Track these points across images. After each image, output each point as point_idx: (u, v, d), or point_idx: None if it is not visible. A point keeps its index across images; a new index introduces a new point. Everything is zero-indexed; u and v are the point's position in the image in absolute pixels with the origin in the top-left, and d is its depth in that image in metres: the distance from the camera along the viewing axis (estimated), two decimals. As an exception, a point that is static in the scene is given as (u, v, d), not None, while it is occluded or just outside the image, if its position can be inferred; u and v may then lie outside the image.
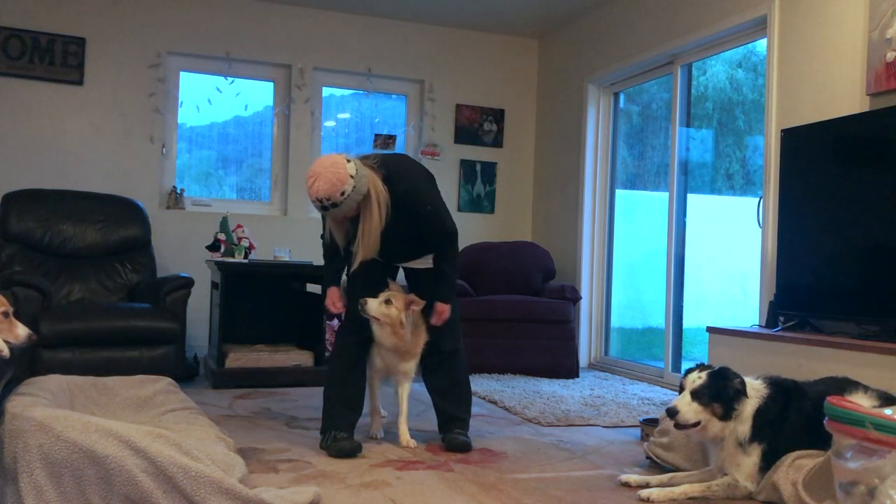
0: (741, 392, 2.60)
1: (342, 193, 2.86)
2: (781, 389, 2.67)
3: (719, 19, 4.74)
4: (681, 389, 2.69)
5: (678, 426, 2.64)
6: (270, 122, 6.21)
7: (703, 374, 2.64)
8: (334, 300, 3.28)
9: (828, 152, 3.74)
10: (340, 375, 3.25)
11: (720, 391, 2.60)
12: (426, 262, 3.30)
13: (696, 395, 2.61)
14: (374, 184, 2.97)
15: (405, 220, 3.09)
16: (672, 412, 2.61)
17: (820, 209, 3.71)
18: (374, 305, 3.14)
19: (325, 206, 2.90)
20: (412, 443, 3.28)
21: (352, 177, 2.88)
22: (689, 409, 2.60)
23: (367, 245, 3.01)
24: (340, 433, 3.11)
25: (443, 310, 3.23)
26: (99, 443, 2.15)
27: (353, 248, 3.10)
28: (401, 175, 3.09)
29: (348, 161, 2.91)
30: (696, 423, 2.60)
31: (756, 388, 2.66)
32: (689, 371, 2.71)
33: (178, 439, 2.26)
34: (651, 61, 5.46)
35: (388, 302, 3.15)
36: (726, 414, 2.59)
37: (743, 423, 2.60)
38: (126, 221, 5.16)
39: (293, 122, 6.12)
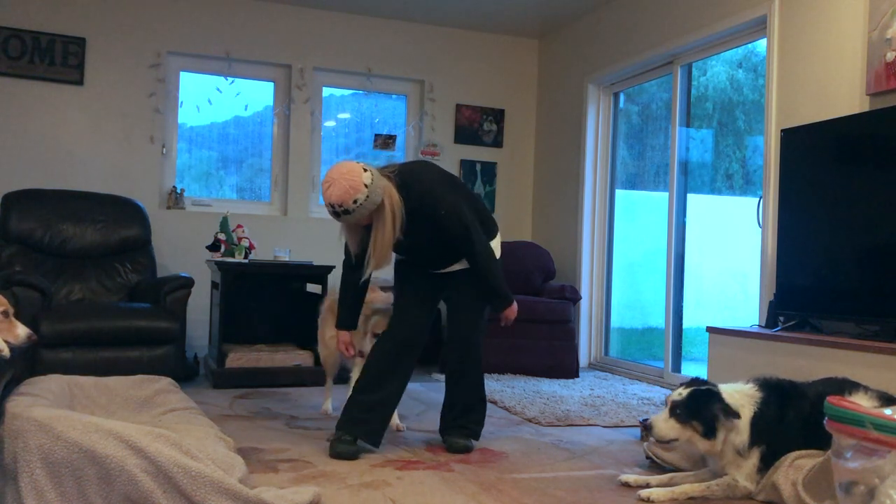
0: (723, 415, 2.57)
1: (354, 202, 2.85)
2: (775, 391, 2.67)
3: (719, 19, 4.74)
4: (666, 405, 2.69)
5: (659, 441, 2.67)
6: (270, 122, 6.21)
7: (685, 392, 2.64)
8: (346, 345, 3.30)
9: (828, 152, 3.74)
10: (367, 379, 3.20)
11: (700, 410, 2.58)
12: (464, 264, 3.24)
13: (675, 412, 2.61)
14: (390, 194, 2.95)
15: (426, 226, 3.06)
16: (647, 426, 2.63)
17: (820, 209, 3.71)
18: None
19: (337, 212, 2.90)
20: (402, 426, 3.49)
21: (366, 186, 2.86)
22: (665, 425, 2.61)
23: (378, 255, 2.99)
24: (346, 436, 3.10)
25: (509, 313, 3.31)
26: (99, 443, 2.14)
27: (366, 255, 3.07)
28: (416, 179, 3.07)
29: (365, 170, 2.89)
30: (675, 439, 2.62)
31: (749, 395, 2.65)
32: (680, 385, 2.72)
33: (179, 439, 2.26)
34: (651, 61, 5.46)
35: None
36: (708, 432, 2.57)
37: (740, 434, 2.59)
38: (126, 221, 5.16)
39: (293, 122, 6.12)
